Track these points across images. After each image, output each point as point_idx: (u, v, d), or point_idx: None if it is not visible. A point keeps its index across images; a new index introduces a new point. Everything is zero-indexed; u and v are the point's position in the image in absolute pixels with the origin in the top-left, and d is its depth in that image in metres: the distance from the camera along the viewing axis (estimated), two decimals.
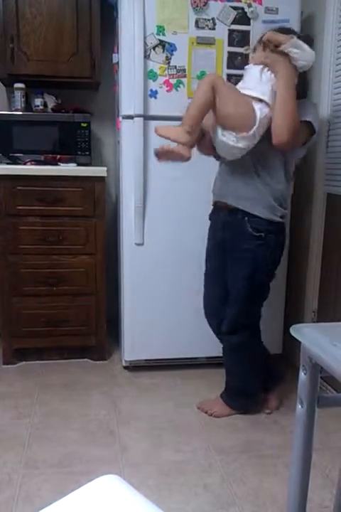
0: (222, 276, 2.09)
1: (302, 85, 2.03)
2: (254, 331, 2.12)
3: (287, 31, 1.88)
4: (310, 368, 0.94)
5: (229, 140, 1.82)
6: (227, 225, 2.01)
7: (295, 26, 2.34)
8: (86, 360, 2.71)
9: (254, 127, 1.78)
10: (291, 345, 2.66)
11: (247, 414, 2.17)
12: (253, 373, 2.13)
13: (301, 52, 1.80)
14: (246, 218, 1.93)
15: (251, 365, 2.12)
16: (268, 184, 1.91)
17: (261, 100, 1.80)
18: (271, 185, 1.92)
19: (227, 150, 1.87)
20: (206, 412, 2.16)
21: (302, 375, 0.96)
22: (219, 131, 1.84)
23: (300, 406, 0.98)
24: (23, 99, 2.67)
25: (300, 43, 1.80)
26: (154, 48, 2.27)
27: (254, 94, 1.81)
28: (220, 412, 2.14)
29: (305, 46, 1.81)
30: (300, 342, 2.52)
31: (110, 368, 2.66)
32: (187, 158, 1.83)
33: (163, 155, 1.86)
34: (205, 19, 2.27)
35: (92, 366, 2.66)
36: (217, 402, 2.17)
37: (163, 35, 2.26)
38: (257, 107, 1.80)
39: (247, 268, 1.98)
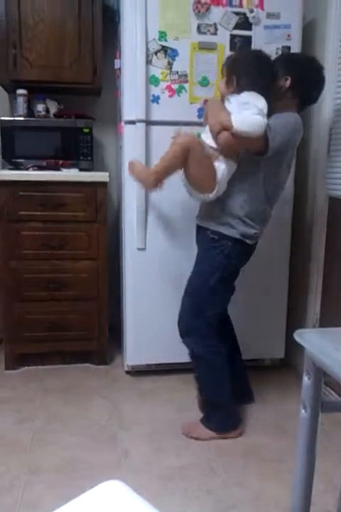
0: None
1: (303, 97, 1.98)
2: (206, 338, 2.03)
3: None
4: (313, 373, 0.94)
5: (195, 196, 1.99)
6: (197, 236, 2.14)
7: (297, 32, 2.37)
8: (88, 365, 2.71)
9: (214, 190, 1.89)
10: (293, 349, 2.67)
11: (228, 434, 2.04)
12: (216, 384, 2.05)
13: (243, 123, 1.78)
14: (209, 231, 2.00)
15: (213, 374, 2.05)
16: (226, 205, 1.95)
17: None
18: (229, 206, 1.94)
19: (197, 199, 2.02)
20: (187, 434, 2.06)
21: (306, 380, 0.96)
22: (187, 188, 1.98)
23: (303, 411, 0.98)
24: (25, 105, 2.67)
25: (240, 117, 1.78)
26: (156, 54, 2.28)
27: (213, 145, 1.88)
28: (201, 434, 2.05)
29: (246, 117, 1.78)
30: (302, 347, 2.52)
31: (112, 372, 2.65)
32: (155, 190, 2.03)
33: (130, 172, 2.04)
34: (207, 24, 2.28)
35: (94, 371, 2.66)
36: (198, 425, 2.10)
37: (165, 40, 2.27)
38: (218, 167, 1.88)
39: (197, 265, 2.04)
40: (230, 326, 2.27)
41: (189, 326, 2.04)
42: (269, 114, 1.83)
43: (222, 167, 1.88)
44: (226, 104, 1.87)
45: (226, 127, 1.78)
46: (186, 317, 2.06)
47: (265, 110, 1.79)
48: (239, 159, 1.92)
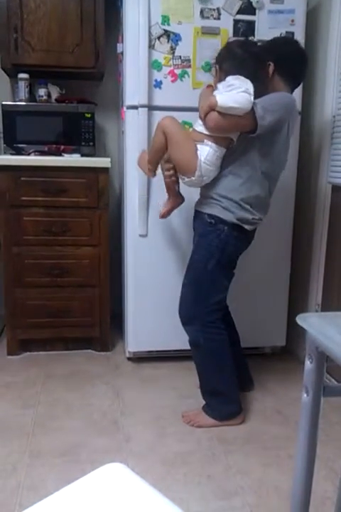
0: None
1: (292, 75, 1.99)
2: (207, 326, 2.01)
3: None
4: (316, 357, 0.94)
5: (180, 178, 2.02)
6: (194, 223, 2.13)
7: (301, 17, 2.34)
8: (89, 351, 2.72)
9: (196, 172, 1.89)
10: (295, 337, 2.67)
11: (230, 422, 2.05)
12: (217, 371, 2.05)
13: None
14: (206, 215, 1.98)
15: (213, 363, 2.05)
16: (223, 189, 1.94)
17: (209, 136, 1.88)
18: (226, 190, 1.93)
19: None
20: (189, 422, 2.06)
21: (308, 364, 0.96)
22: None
23: (305, 395, 0.98)
24: (26, 90, 2.66)
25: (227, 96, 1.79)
26: (159, 38, 2.26)
27: (203, 131, 1.89)
28: (203, 422, 2.05)
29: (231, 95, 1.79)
30: (303, 334, 2.52)
31: (113, 358, 2.66)
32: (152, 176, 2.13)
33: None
34: (210, 9, 2.25)
35: (96, 357, 2.67)
36: (199, 413, 2.09)
37: (168, 25, 2.25)
38: (201, 149, 1.88)
39: (194, 252, 2.04)
40: (229, 315, 2.27)
41: (189, 314, 2.04)
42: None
43: (205, 149, 1.88)
44: (215, 92, 1.85)
45: (212, 106, 1.79)
46: (186, 305, 2.05)
47: (251, 90, 1.78)
48: (232, 146, 1.91)
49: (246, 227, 1.96)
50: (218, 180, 1.94)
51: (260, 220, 2.00)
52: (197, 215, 2.07)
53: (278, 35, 2.28)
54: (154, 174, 2.09)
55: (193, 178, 1.91)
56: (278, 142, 1.91)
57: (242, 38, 2.04)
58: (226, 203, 1.92)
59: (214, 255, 1.95)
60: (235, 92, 1.77)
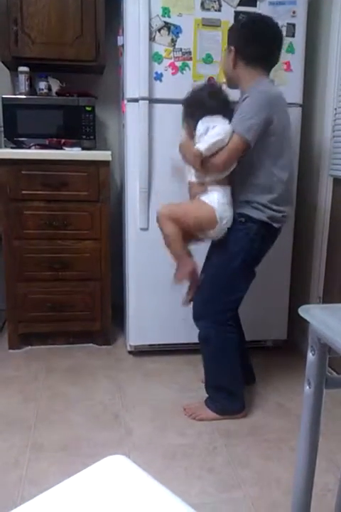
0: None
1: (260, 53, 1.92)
2: (220, 323, 2.01)
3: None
4: (318, 349, 0.94)
5: (205, 238, 2.03)
6: None
7: (302, 8, 2.33)
8: (91, 344, 2.72)
9: (217, 221, 1.90)
10: (296, 331, 2.67)
11: (232, 416, 2.05)
12: (225, 368, 2.05)
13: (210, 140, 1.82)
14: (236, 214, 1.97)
15: (221, 359, 2.04)
16: (249, 195, 1.93)
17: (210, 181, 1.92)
18: (253, 195, 1.93)
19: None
20: (190, 415, 2.06)
21: (311, 356, 0.96)
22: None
23: (307, 387, 0.98)
24: (27, 83, 2.65)
25: (205, 139, 1.83)
26: (159, 30, 2.24)
27: (202, 179, 1.92)
28: (205, 415, 2.05)
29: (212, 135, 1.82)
30: (305, 328, 2.51)
31: (115, 352, 2.66)
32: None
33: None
34: (211, 0, 2.24)
35: (97, 351, 2.67)
36: (201, 406, 2.09)
37: (168, 17, 2.23)
38: (210, 197, 1.91)
39: (218, 250, 2.00)
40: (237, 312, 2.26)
41: (203, 310, 2.03)
42: (244, 93, 1.90)
43: (214, 195, 1.90)
44: (197, 146, 1.85)
45: (197, 155, 1.82)
46: (201, 300, 2.03)
47: (223, 121, 1.84)
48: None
49: (275, 225, 1.95)
50: (242, 191, 1.93)
51: (288, 213, 2.00)
52: None
53: (281, 27, 2.26)
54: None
55: (216, 228, 1.91)
56: (271, 137, 1.87)
57: (205, 85, 2.04)
58: (256, 204, 1.92)
59: (240, 254, 1.94)
60: (212, 132, 1.82)
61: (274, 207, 1.92)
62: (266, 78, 1.93)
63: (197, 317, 2.05)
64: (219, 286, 1.99)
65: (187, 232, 1.97)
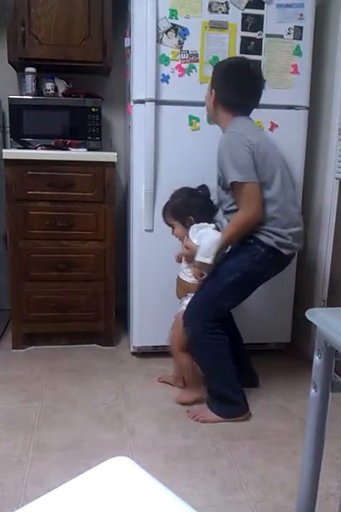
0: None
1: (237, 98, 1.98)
2: (207, 331, 2.00)
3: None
4: (324, 352, 0.93)
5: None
6: None
7: (310, 11, 2.32)
8: (94, 345, 2.72)
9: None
10: (300, 334, 2.66)
11: (236, 419, 2.04)
12: (219, 374, 2.05)
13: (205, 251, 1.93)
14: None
15: (214, 366, 2.05)
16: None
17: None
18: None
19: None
20: (193, 417, 2.05)
21: (317, 360, 0.95)
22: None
23: (313, 390, 0.97)
24: (33, 84, 2.66)
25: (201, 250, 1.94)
26: (166, 32, 2.25)
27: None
28: (208, 417, 2.05)
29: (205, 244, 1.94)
30: (309, 331, 2.51)
31: (118, 353, 2.66)
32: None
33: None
34: (218, 3, 2.24)
35: (101, 352, 2.67)
36: (204, 408, 2.09)
37: (176, 19, 2.24)
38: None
39: (221, 263, 2.01)
40: (229, 314, 2.26)
41: (194, 318, 2.03)
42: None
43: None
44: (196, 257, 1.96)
45: (201, 267, 1.96)
46: (194, 307, 2.04)
47: (211, 227, 1.99)
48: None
49: (284, 251, 1.96)
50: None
51: (298, 243, 2.01)
52: None
53: (289, 30, 2.31)
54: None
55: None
56: (258, 164, 1.90)
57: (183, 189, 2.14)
58: (264, 230, 1.94)
59: (239, 272, 1.96)
60: (205, 242, 1.94)
61: (281, 231, 1.93)
62: (241, 117, 1.98)
63: (186, 322, 2.05)
64: (209, 294, 2.01)
65: None
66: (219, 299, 2.00)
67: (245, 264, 1.96)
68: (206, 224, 2.02)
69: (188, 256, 2.04)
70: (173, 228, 2.13)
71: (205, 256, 1.92)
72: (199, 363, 2.10)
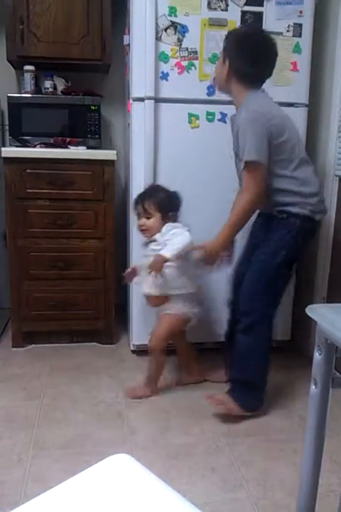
0: (249, 259, 2.11)
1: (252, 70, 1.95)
2: (267, 317, 2.04)
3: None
4: (325, 349, 0.93)
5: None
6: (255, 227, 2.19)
7: (310, 8, 2.32)
8: (94, 343, 2.72)
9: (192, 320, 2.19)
10: (300, 332, 2.66)
11: (254, 413, 2.06)
12: (258, 363, 2.05)
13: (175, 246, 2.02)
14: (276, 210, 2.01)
15: (260, 354, 2.06)
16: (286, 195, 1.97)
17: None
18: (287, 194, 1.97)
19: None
20: (217, 404, 2.05)
21: (317, 356, 0.95)
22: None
23: (314, 387, 0.98)
24: (32, 82, 2.66)
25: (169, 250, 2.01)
26: (166, 30, 2.24)
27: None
28: (231, 407, 2.04)
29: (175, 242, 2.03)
30: (309, 329, 2.50)
31: (118, 351, 2.66)
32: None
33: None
34: (218, 0, 2.24)
35: (100, 350, 2.67)
36: (226, 398, 2.08)
37: (175, 16, 2.23)
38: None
39: (262, 248, 2.02)
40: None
41: (253, 305, 2.03)
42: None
43: (179, 307, 2.11)
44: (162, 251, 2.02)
45: (162, 260, 1.99)
46: (249, 294, 2.04)
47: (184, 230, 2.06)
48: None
49: (317, 217, 1.98)
50: (273, 196, 1.97)
51: (325, 210, 2.07)
52: (260, 216, 2.13)
53: (288, 27, 2.31)
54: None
55: (192, 321, 2.19)
56: (279, 142, 1.91)
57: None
58: (298, 202, 1.95)
59: (284, 249, 1.97)
60: (176, 240, 2.03)
61: (310, 200, 1.95)
62: (257, 91, 1.96)
63: (246, 311, 2.04)
64: (265, 282, 2.01)
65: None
66: (273, 282, 2.01)
67: (286, 239, 1.96)
68: (180, 225, 2.09)
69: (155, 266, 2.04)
70: (148, 218, 2.11)
71: (168, 250, 1.99)
72: (244, 348, 2.07)
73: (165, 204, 2.11)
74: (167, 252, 1.99)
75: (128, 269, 2.27)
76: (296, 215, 1.94)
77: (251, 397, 2.06)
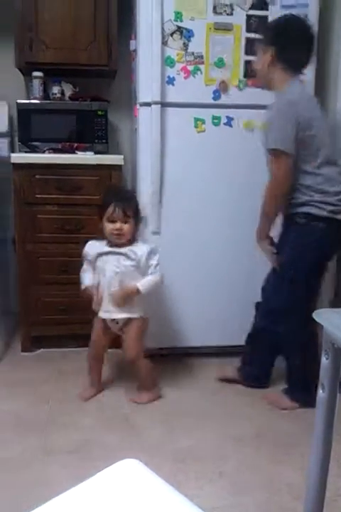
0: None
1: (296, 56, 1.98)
2: (308, 319, 2.04)
3: None
4: (332, 353, 0.93)
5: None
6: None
7: (315, 11, 2.32)
8: None
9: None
10: None
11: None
12: (309, 363, 2.02)
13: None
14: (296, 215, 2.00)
15: (305, 353, 2.07)
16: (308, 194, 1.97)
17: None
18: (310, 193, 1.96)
19: None
20: (271, 403, 2.12)
21: (324, 360, 0.95)
22: None
23: (321, 391, 0.98)
24: (41, 88, 2.68)
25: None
26: (172, 35, 2.25)
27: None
28: (285, 404, 2.11)
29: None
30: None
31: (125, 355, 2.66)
32: None
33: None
34: (223, 4, 2.25)
35: (108, 354, 2.67)
36: (281, 396, 2.14)
37: (181, 21, 2.25)
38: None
39: (286, 254, 2.03)
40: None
41: (288, 316, 2.05)
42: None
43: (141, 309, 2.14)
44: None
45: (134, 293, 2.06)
46: (286, 298, 2.05)
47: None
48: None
49: (339, 217, 1.95)
50: (295, 194, 1.97)
51: None
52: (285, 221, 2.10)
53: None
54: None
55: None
56: (305, 135, 1.91)
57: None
58: (317, 203, 1.94)
59: (309, 252, 1.97)
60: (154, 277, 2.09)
61: (331, 200, 1.94)
62: (295, 80, 1.98)
63: (282, 321, 2.06)
64: (296, 289, 2.01)
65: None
66: (304, 289, 2.01)
67: (310, 244, 1.96)
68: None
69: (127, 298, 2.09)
70: (125, 222, 2.05)
71: (145, 286, 2.06)
72: (292, 350, 2.12)
73: (139, 210, 2.12)
74: (143, 287, 2.05)
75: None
76: (316, 218, 1.93)
77: (306, 393, 1.98)
